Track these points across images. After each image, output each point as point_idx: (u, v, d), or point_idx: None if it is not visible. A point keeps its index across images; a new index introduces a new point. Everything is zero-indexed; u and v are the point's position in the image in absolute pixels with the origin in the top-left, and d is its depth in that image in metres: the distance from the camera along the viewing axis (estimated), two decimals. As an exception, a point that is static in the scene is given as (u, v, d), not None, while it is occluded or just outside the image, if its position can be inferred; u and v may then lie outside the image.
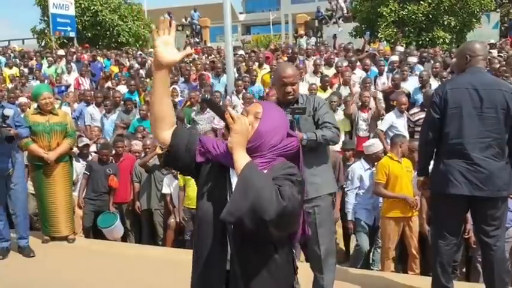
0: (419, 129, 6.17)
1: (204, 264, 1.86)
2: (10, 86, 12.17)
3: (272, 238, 1.73)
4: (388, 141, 6.47)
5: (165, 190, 6.51)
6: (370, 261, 5.79)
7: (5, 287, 4.68)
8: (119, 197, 6.72)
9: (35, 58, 15.79)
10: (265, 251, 1.82)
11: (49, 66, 14.25)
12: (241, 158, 1.76)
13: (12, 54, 16.82)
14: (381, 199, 5.53)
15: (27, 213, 5.53)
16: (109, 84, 11.45)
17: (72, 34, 19.41)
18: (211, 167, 1.93)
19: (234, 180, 1.83)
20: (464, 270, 5.39)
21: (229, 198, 1.80)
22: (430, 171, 3.89)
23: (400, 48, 10.75)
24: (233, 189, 1.77)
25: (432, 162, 3.84)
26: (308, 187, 3.06)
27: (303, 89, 8.13)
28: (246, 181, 1.68)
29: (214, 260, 1.84)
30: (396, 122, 6.98)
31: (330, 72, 9.58)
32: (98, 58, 14.88)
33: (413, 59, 9.73)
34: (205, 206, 1.88)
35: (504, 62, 8.98)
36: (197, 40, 21.70)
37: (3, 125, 4.94)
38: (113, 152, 6.91)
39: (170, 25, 1.91)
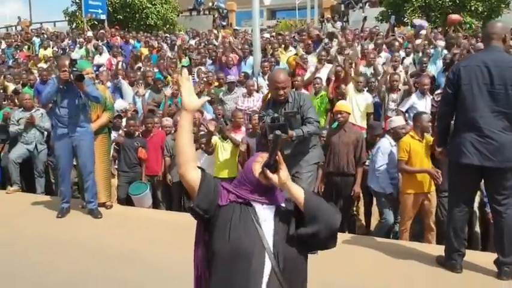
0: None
1: None
2: (45, 66, 12.64)
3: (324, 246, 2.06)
4: (410, 122, 6.70)
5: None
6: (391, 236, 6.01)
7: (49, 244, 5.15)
8: (150, 170, 7.13)
9: (67, 39, 16.29)
10: (302, 265, 2.07)
11: (80, 48, 14.72)
12: (296, 188, 2.03)
13: (45, 36, 17.35)
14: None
15: (94, 179, 5.99)
16: (139, 65, 11.82)
17: (103, 16, 19.84)
18: (235, 207, 2.05)
19: (260, 213, 2.04)
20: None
21: (259, 229, 1.98)
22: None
23: (423, 32, 10.81)
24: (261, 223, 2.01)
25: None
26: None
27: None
28: (314, 204, 1.98)
29: None
30: (417, 103, 7.14)
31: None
32: (130, 40, 15.28)
33: (441, 43, 9.83)
34: (238, 240, 1.96)
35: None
36: (223, 23, 21.95)
37: (74, 69, 5.39)
38: (143, 127, 7.29)
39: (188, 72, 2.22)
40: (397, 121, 6.10)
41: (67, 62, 5.45)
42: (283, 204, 2.12)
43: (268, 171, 2.03)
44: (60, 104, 5.63)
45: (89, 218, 5.95)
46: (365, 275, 4.26)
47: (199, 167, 2.14)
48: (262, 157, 2.12)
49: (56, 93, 5.55)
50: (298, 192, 2.01)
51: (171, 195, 7.20)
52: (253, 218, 2.01)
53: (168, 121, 7.51)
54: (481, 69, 3.82)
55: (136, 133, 7.14)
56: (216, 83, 9.09)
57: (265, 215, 2.05)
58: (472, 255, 4.46)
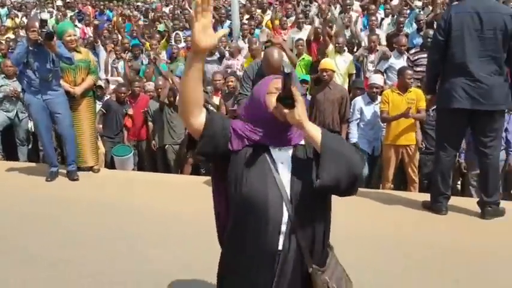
0: (418, 68, 6.65)
1: (253, 242, 1.80)
2: (13, 37, 12.25)
3: (346, 194, 1.81)
4: (388, 82, 6.89)
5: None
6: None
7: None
8: (135, 135, 7.12)
9: (35, 9, 15.77)
10: (323, 211, 1.89)
11: (50, 18, 14.31)
12: (314, 128, 1.77)
13: (12, 5, 16.75)
14: (382, 131, 5.97)
15: (73, 140, 5.95)
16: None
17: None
18: (248, 151, 1.84)
19: (276, 156, 1.84)
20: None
21: (276, 174, 1.80)
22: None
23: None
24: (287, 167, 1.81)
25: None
26: None
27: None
28: (333, 147, 1.74)
29: (267, 240, 1.78)
30: (395, 62, 7.27)
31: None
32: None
33: (418, 3, 9.94)
34: (254, 188, 1.79)
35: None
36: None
37: (43, 30, 5.25)
38: (130, 91, 7.24)
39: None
40: (375, 79, 6.25)
41: (36, 23, 5.30)
42: (302, 142, 1.89)
43: (282, 107, 1.77)
44: (32, 66, 5.51)
45: (82, 180, 5.96)
46: (358, 222, 4.40)
47: (205, 108, 1.89)
48: (276, 88, 1.84)
49: (25, 54, 5.42)
50: (315, 133, 1.76)
51: (156, 160, 7.21)
52: (269, 162, 1.82)
53: (150, 85, 7.47)
54: (472, 16, 3.93)
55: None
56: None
57: (281, 158, 1.85)
58: (455, 200, 4.66)
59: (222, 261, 1.94)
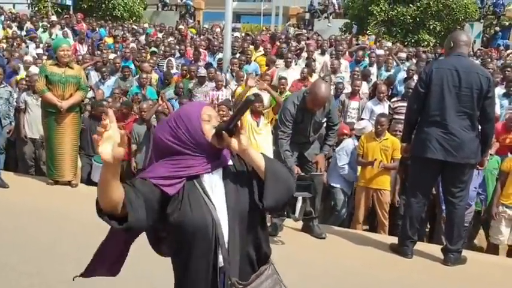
0: (397, 116, 6.91)
1: (195, 269, 1.85)
2: (4, 45, 12.33)
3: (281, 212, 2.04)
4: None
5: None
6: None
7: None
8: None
9: (29, 22, 15.88)
10: (257, 228, 1.96)
11: (44, 31, 14.44)
12: (257, 155, 1.86)
13: (6, 15, 16.84)
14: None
15: None
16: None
17: (69, 2, 19.48)
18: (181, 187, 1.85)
19: (208, 180, 1.87)
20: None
21: (207, 201, 1.83)
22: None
23: (387, 44, 11.32)
24: (217, 192, 1.85)
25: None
26: None
27: (294, 74, 8.72)
28: (276, 173, 1.86)
29: (210, 262, 1.83)
30: (375, 109, 7.52)
31: (322, 59, 10.12)
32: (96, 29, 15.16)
33: (403, 55, 10.36)
34: (190, 219, 1.80)
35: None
36: (191, 21, 21.96)
37: None
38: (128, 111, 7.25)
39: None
40: (363, 124, 6.45)
41: None
42: (230, 162, 1.94)
43: (227, 135, 1.81)
44: None
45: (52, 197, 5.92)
46: (325, 259, 4.51)
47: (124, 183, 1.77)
48: (208, 115, 1.89)
49: None
50: (259, 159, 1.85)
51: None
52: (201, 188, 1.85)
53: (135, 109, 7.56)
54: (452, 72, 4.18)
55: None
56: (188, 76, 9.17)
57: (213, 181, 1.88)
58: (421, 246, 4.85)
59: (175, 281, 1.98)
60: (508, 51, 14.37)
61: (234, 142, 1.82)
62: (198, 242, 1.81)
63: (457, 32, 4.62)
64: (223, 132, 1.81)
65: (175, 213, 1.81)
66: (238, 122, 1.80)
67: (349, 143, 6.30)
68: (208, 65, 9.60)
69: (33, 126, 7.10)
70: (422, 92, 4.27)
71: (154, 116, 7.00)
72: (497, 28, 19.28)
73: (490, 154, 5.48)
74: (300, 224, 5.09)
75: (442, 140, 4.17)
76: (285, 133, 4.60)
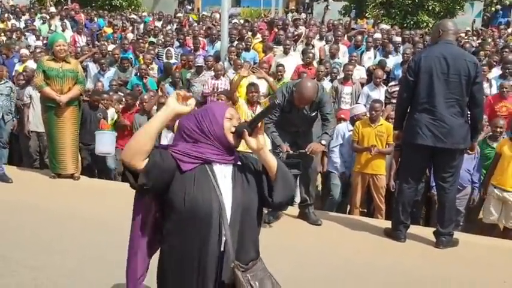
0: (394, 101, 6.93)
1: (199, 249, 1.99)
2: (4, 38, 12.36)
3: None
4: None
5: (163, 141, 7.06)
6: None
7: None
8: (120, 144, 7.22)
9: (28, 14, 15.89)
10: (254, 222, 2.15)
11: (43, 23, 14.44)
12: (270, 155, 2.09)
13: (4, 8, 16.83)
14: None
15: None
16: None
17: (67, -8, 19.44)
18: (194, 169, 2.02)
19: (219, 170, 2.05)
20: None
21: (216, 186, 2.00)
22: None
23: (385, 27, 11.25)
24: (226, 183, 2.04)
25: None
26: None
27: (293, 60, 8.76)
28: (285, 173, 2.10)
29: (213, 244, 1.99)
30: (371, 94, 7.58)
31: (319, 45, 10.14)
32: (94, 19, 15.14)
33: (398, 39, 10.35)
34: (199, 199, 1.97)
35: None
36: (190, 7, 21.94)
37: None
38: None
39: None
40: (358, 109, 6.53)
41: None
42: (239, 163, 2.13)
43: (246, 134, 2.02)
44: None
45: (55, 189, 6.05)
46: (319, 245, 4.64)
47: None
48: (231, 114, 2.09)
49: None
50: (272, 159, 2.07)
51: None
52: (213, 176, 2.02)
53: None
54: (440, 60, 4.25)
55: (100, 106, 7.24)
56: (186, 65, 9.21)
57: (224, 172, 2.07)
58: (414, 229, 4.96)
59: (162, 266, 2.11)
60: (510, 30, 14.34)
61: (252, 141, 2.04)
62: (201, 224, 1.98)
63: (444, 21, 4.68)
64: (244, 130, 2.02)
65: (184, 191, 1.99)
66: (259, 124, 2.03)
67: (342, 126, 6.41)
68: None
69: (38, 120, 7.13)
70: (411, 80, 4.35)
71: (155, 107, 7.11)
72: (498, 6, 19.19)
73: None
74: (296, 211, 5.22)
75: (432, 127, 4.26)
76: (270, 119, 4.78)
